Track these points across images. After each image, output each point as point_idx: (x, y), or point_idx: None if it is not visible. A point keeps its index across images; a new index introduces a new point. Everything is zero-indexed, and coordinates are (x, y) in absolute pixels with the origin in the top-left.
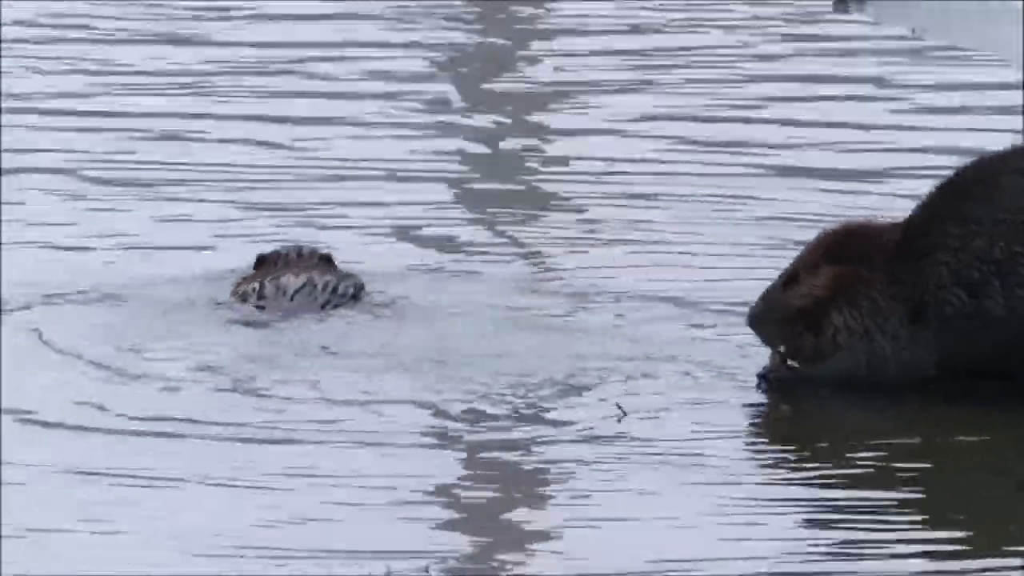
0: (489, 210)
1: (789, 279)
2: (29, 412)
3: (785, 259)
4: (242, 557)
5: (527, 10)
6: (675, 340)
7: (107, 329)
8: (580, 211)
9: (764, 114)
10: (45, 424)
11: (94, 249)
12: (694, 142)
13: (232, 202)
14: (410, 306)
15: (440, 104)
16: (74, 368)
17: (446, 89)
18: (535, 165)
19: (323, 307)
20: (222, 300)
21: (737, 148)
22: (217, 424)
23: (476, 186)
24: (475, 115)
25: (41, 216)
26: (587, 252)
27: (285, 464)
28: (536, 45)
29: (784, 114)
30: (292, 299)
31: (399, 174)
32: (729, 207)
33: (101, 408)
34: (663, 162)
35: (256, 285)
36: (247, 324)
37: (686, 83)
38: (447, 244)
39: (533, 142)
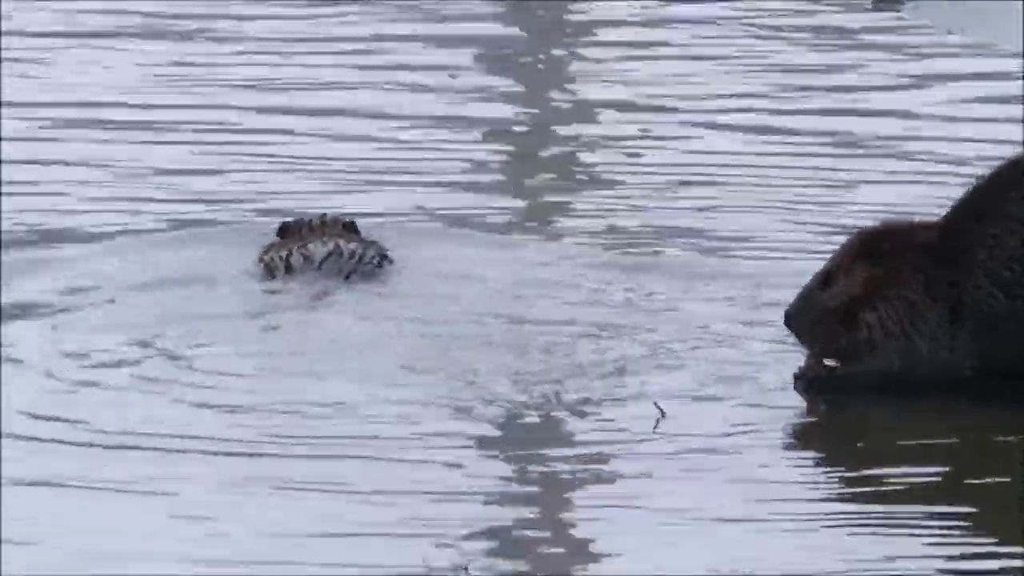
0: (527, 185)
1: (825, 278)
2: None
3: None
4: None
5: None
6: (714, 333)
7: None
8: (620, 194)
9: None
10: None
11: None
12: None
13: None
14: (432, 278)
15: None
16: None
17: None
18: (576, 147)
19: (348, 275)
20: (250, 269)
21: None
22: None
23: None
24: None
25: None
26: (628, 237)
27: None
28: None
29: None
30: (320, 267)
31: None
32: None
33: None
34: (716, 152)
35: (284, 254)
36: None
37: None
38: (481, 220)
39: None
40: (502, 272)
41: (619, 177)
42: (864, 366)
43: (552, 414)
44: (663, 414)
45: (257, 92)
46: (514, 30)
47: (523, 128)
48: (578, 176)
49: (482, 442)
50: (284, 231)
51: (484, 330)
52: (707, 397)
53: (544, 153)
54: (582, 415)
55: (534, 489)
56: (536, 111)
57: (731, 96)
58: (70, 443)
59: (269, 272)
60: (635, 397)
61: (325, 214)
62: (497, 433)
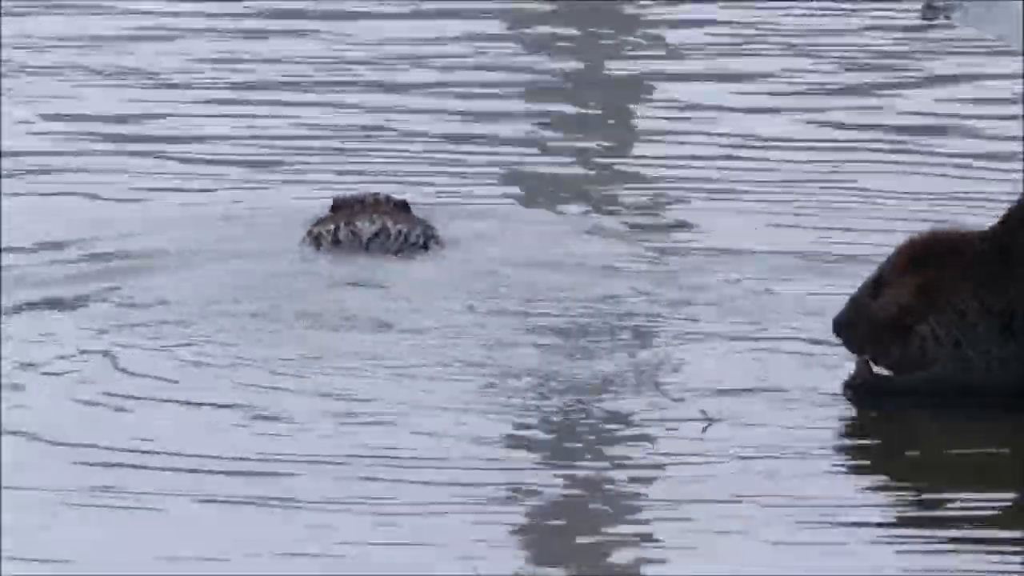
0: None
1: (875, 287)
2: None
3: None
4: None
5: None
6: (769, 340)
7: None
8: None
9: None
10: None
11: None
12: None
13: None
14: (480, 261)
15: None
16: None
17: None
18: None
19: (396, 254)
20: (297, 243)
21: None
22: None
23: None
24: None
25: None
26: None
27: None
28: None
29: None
30: (367, 247)
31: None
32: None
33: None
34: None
35: (331, 227)
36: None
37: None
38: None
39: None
40: (550, 254)
41: (672, 163)
42: (916, 375)
43: (598, 414)
44: (710, 422)
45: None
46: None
47: (577, 111)
48: (632, 161)
49: (527, 444)
50: (337, 206)
51: (529, 319)
52: (756, 407)
53: (600, 137)
54: (627, 418)
55: (579, 493)
56: (592, 99)
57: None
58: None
59: (316, 244)
60: (680, 398)
61: (379, 193)
62: (544, 436)
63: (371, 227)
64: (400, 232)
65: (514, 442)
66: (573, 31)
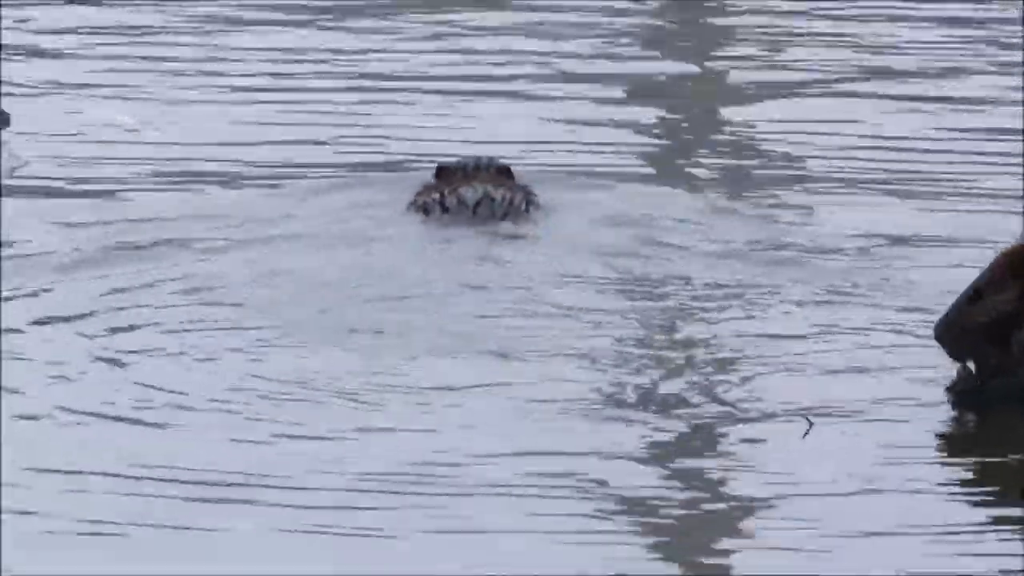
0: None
1: (975, 294)
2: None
3: None
4: None
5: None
6: (872, 342)
7: None
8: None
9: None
10: None
11: None
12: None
13: None
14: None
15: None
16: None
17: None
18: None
19: (502, 218)
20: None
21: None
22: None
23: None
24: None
25: None
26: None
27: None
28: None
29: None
30: (475, 212)
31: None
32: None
33: None
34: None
35: (437, 196)
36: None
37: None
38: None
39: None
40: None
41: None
42: (1015, 381)
43: (692, 402)
44: (811, 424)
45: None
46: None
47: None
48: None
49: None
50: (440, 173)
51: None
52: (859, 413)
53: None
54: (719, 409)
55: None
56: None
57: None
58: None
59: (424, 212)
60: (775, 395)
61: (480, 158)
62: (650, 436)
63: (475, 194)
64: (504, 198)
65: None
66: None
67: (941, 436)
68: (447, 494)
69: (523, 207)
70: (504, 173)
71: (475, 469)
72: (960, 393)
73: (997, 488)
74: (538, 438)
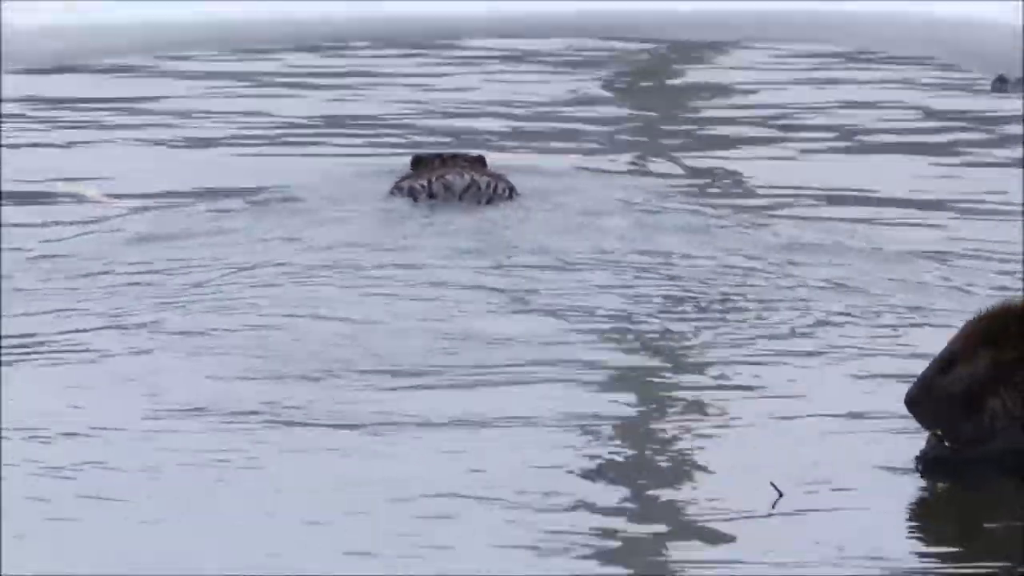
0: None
1: (946, 362)
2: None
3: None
4: None
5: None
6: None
7: None
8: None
9: None
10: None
11: None
12: None
13: None
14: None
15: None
16: None
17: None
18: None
19: (487, 203)
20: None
21: None
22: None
23: None
24: None
25: None
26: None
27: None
28: None
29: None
30: (461, 198)
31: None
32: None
33: None
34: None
35: (424, 183)
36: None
37: None
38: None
39: None
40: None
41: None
42: (987, 450)
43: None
44: (780, 495)
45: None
46: None
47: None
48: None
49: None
50: (417, 163)
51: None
52: (825, 480)
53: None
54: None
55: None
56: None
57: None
58: None
59: (412, 196)
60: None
61: (456, 151)
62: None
63: (462, 180)
64: (489, 184)
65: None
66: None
67: (910, 505)
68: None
69: (506, 194)
70: (479, 162)
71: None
72: (931, 461)
73: (970, 556)
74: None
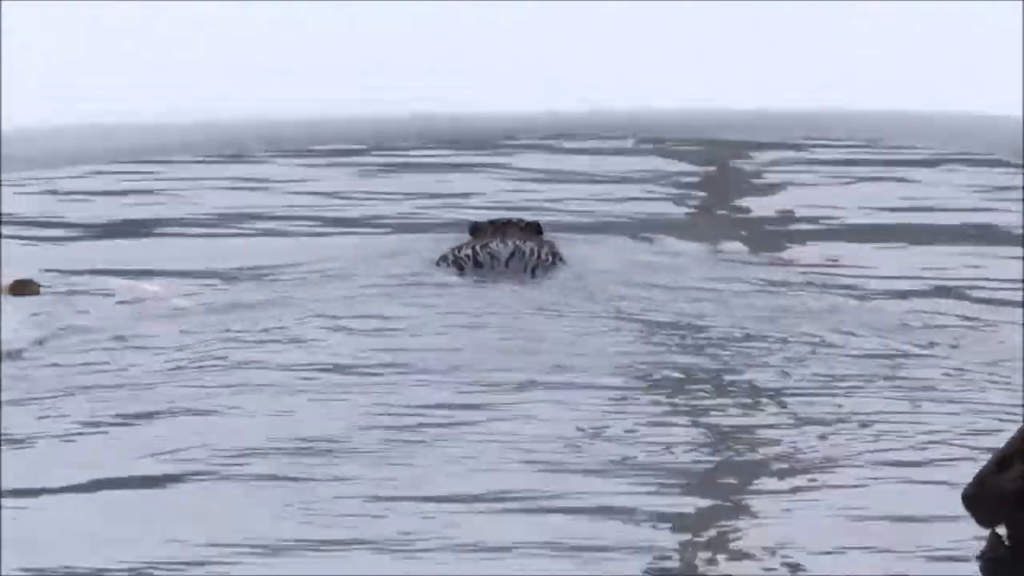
0: None
1: (1003, 460)
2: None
3: None
4: None
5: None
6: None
7: None
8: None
9: None
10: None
11: None
12: None
13: None
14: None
15: None
16: None
17: None
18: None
19: (533, 271)
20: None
21: None
22: None
23: None
24: None
25: None
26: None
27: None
28: None
29: None
30: (506, 265)
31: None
32: None
33: None
34: None
35: (469, 252)
36: None
37: None
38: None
39: None
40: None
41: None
42: None
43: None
44: None
45: None
46: None
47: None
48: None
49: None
50: (475, 231)
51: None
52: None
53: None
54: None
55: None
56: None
57: None
58: None
59: (458, 267)
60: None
61: (511, 218)
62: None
63: (506, 248)
64: (533, 250)
65: None
66: None
67: None
68: None
69: (550, 260)
70: (531, 228)
71: None
72: (990, 561)
73: None
74: None
